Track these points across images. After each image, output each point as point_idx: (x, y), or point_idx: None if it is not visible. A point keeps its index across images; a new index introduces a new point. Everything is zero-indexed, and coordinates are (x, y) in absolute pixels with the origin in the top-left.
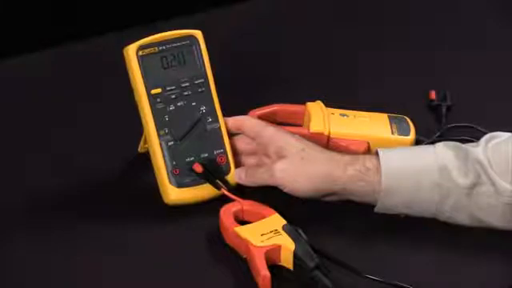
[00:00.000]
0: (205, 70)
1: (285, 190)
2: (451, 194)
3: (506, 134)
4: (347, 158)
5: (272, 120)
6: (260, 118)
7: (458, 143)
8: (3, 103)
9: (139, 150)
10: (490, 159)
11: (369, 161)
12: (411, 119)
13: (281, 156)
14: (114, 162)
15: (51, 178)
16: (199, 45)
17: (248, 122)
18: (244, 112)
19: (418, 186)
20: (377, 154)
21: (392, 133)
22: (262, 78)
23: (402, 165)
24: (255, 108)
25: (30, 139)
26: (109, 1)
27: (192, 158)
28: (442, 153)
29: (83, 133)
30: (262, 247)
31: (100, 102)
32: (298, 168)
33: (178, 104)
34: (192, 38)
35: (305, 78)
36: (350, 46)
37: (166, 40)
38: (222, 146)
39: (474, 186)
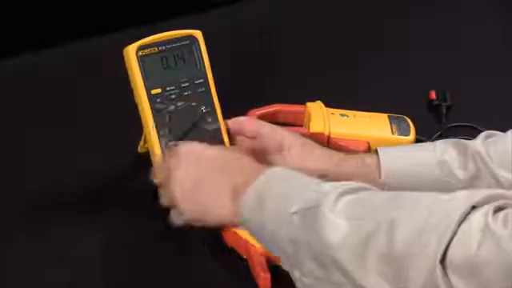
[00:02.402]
0: (205, 70)
1: None
2: (451, 188)
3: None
4: (346, 155)
5: (272, 120)
6: (260, 117)
7: (457, 139)
8: (3, 103)
9: (139, 149)
10: (490, 151)
11: (369, 158)
12: (411, 119)
13: (281, 151)
14: (114, 162)
15: (51, 178)
16: (199, 45)
17: (246, 123)
18: (244, 112)
19: (418, 182)
20: (376, 152)
21: (392, 133)
22: (261, 77)
23: (402, 161)
24: (255, 108)
25: (30, 139)
26: (109, 1)
27: None
28: (442, 148)
29: (83, 133)
30: (262, 248)
31: (100, 102)
32: (296, 162)
33: (178, 104)
34: (192, 38)
35: (305, 77)
36: (350, 45)
37: (165, 40)
38: (223, 146)
39: (473, 178)
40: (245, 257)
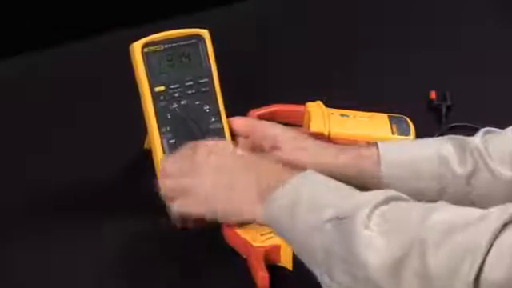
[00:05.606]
0: (210, 69)
1: None
2: (450, 183)
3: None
4: (342, 147)
5: (272, 120)
6: (260, 117)
7: (456, 136)
8: (3, 103)
9: (145, 146)
10: (488, 147)
11: (367, 150)
12: (411, 119)
13: (275, 147)
14: (114, 162)
15: (51, 177)
16: (205, 44)
17: (236, 122)
18: (244, 112)
19: (416, 176)
20: (375, 145)
21: (392, 133)
22: (262, 78)
23: (402, 154)
24: (255, 108)
25: (30, 139)
26: (111, 0)
27: None
28: (441, 144)
29: (83, 133)
30: (261, 247)
31: (100, 102)
32: (291, 158)
33: (182, 102)
34: (198, 37)
35: (305, 77)
36: (350, 46)
37: (172, 38)
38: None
39: (472, 174)
40: (245, 257)
